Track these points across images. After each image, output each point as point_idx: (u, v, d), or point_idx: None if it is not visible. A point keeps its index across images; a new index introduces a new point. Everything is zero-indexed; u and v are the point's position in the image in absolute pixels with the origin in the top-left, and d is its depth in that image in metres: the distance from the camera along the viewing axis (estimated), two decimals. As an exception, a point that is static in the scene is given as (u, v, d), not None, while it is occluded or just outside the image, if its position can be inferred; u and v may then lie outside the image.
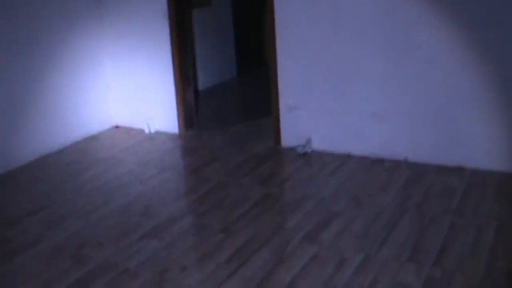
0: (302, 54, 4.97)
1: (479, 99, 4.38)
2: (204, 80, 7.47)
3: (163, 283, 3.25)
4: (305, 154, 5.02)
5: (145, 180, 4.71)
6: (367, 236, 3.63)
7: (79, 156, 5.37)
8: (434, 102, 4.54)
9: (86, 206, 4.28)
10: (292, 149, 5.12)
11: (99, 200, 4.38)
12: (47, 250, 3.70)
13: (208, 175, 4.74)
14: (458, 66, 4.39)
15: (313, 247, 3.52)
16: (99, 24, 5.88)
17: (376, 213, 3.91)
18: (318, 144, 5.07)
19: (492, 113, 4.37)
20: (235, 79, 7.99)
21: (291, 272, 3.28)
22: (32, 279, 3.38)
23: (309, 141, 5.08)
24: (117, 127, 6.14)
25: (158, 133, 5.87)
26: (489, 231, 3.57)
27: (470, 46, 4.31)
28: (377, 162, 4.77)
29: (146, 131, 5.92)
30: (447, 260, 3.29)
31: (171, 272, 3.35)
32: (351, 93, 4.86)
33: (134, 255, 3.57)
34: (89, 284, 3.29)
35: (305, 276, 3.24)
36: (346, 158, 4.89)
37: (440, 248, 3.42)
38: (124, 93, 6.05)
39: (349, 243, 3.55)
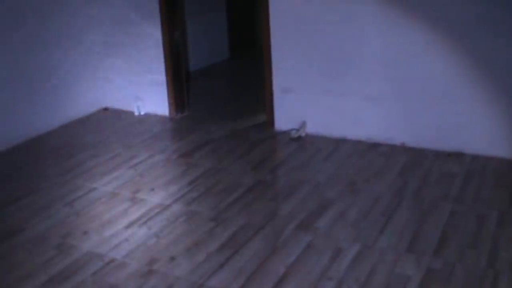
0: (297, 34, 4.80)
1: (480, 81, 4.23)
2: (195, 62, 7.27)
3: (151, 274, 3.11)
4: (299, 138, 4.87)
5: (133, 165, 4.55)
6: (363, 224, 3.49)
7: (66, 140, 5.20)
8: (433, 84, 4.39)
9: (71, 193, 4.12)
10: (285, 133, 4.97)
11: (85, 186, 4.23)
12: (30, 238, 3.56)
13: (199, 160, 4.58)
14: (458, 47, 4.23)
15: (307, 236, 3.38)
16: (86, 1, 5.67)
17: (372, 200, 3.77)
18: (313, 127, 4.92)
19: (493, 96, 4.22)
20: (227, 61, 7.79)
21: (285, 262, 3.15)
22: (14, 269, 3.23)
23: (303, 124, 4.93)
24: (106, 109, 5.97)
25: (148, 116, 5.70)
26: (491, 220, 3.44)
27: (471, 26, 4.15)
28: (373, 147, 4.63)
29: (136, 113, 5.76)
30: (448, 250, 3.16)
31: (159, 262, 3.21)
32: (346, 75, 4.70)
33: (121, 244, 3.43)
34: (74, 275, 3.15)
35: (300, 266, 3.10)
36: (341, 142, 4.75)
37: (440, 237, 3.29)
38: (113, 73, 5.87)
39: (345, 231, 3.41)
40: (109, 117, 5.75)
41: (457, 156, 4.34)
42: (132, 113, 5.76)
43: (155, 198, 3.99)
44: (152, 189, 4.13)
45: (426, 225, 3.44)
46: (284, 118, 5.03)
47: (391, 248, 3.21)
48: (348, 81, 4.71)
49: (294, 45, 4.83)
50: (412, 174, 4.11)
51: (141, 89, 5.74)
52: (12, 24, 4.98)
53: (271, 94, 5.05)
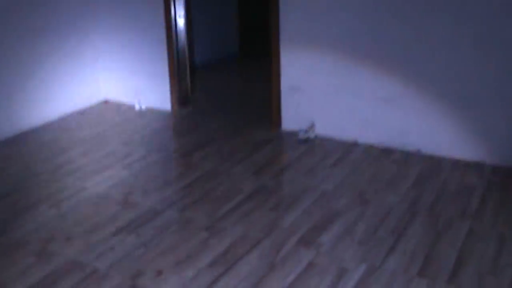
0: (307, 29, 4.49)
1: (505, 85, 3.89)
2: (202, 55, 6.96)
3: (134, 290, 2.83)
4: (307, 140, 4.56)
5: (128, 163, 4.27)
6: (372, 242, 3.17)
7: (61, 134, 4.93)
8: (453, 86, 4.06)
9: (59, 193, 3.86)
10: (293, 134, 4.66)
11: (75, 185, 3.95)
12: (10, 242, 3.30)
13: (198, 161, 4.29)
14: (481, 46, 3.89)
15: (309, 253, 3.07)
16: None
17: (382, 214, 3.45)
18: (322, 129, 4.61)
19: (519, 103, 3.89)
20: (236, 55, 7.48)
21: (283, 282, 2.85)
22: (-13, 277, 2.97)
23: (312, 125, 4.62)
24: (106, 102, 5.70)
25: (149, 110, 5.42)
26: (513, 242, 3.12)
27: (498, 20, 3.81)
28: (386, 153, 4.31)
29: (137, 107, 5.47)
30: (464, 275, 2.84)
31: (144, 276, 2.93)
32: (360, 73, 4.38)
33: (105, 253, 3.15)
34: (51, 286, 2.86)
35: (299, 287, 2.79)
36: (352, 146, 4.44)
37: (455, 260, 2.96)
38: (114, 65, 5.60)
39: (351, 250, 3.09)
40: (109, 110, 5.48)
41: (477, 166, 4.00)
42: (133, 107, 5.48)
43: (148, 202, 3.70)
44: (145, 192, 3.84)
45: (440, 245, 3.11)
46: (293, 118, 4.73)
47: (401, 270, 2.90)
48: (361, 80, 4.39)
49: (305, 40, 4.52)
50: (427, 186, 3.78)
51: (143, 82, 5.47)
52: (8, 14, 4.71)
53: (279, 92, 4.74)
